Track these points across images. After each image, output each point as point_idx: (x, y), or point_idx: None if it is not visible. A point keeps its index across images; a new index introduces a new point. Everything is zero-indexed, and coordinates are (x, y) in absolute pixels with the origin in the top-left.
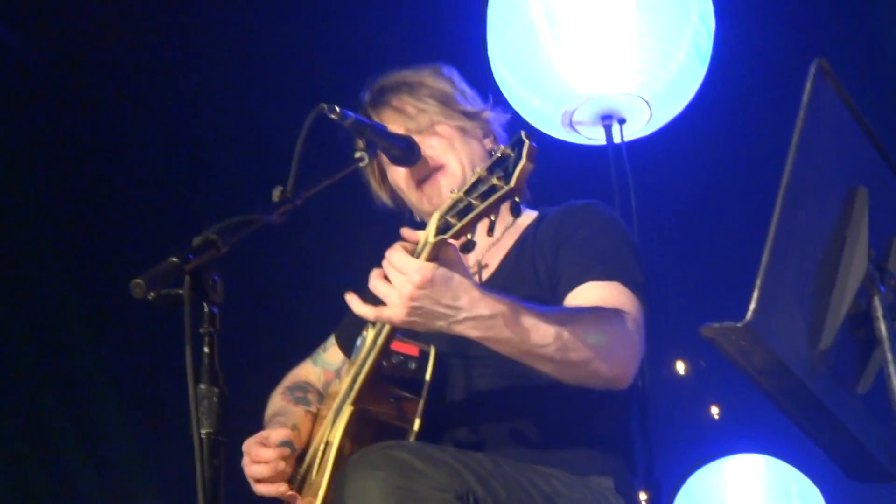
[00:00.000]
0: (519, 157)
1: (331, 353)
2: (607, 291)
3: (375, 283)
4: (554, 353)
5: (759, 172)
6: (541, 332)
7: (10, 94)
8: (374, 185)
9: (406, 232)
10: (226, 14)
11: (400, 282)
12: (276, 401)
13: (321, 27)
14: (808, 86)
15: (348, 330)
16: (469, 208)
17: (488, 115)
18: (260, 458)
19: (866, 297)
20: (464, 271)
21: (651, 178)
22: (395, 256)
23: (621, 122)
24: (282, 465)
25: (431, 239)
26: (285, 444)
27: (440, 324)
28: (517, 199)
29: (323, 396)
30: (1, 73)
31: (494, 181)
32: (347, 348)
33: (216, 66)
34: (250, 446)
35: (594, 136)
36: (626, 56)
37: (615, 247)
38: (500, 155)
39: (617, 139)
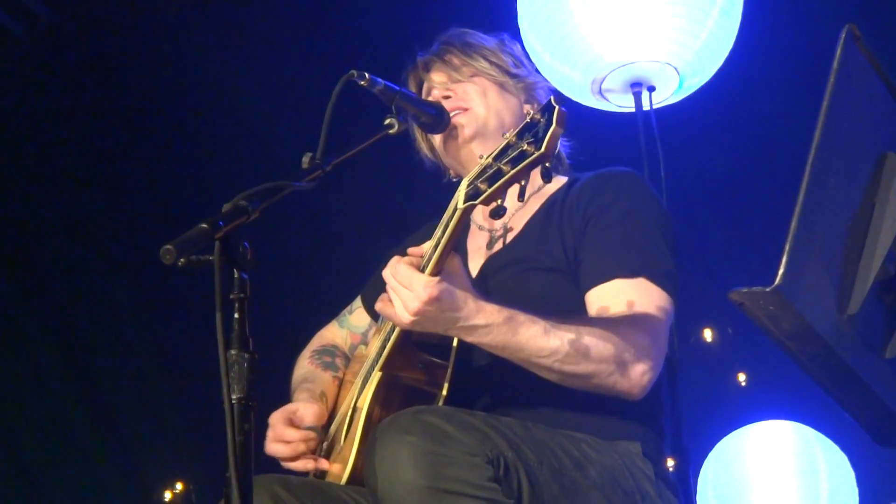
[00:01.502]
0: (549, 123)
1: (357, 315)
2: (631, 293)
3: (382, 303)
4: (551, 365)
5: (788, 138)
6: (538, 344)
7: (44, 65)
8: (419, 137)
9: (411, 250)
10: None
11: (406, 297)
12: (304, 364)
13: None
14: (839, 52)
15: (374, 292)
16: (499, 174)
17: (531, 80)
18: (283, 437)
19: (895, 262)
20: (465, 282)
21: (680, 145)
22: (403, 273)
23: (650, 89)
24: (302, 447)
25: (461, 205)
26: (311, 428)
27: (438, 330)
28: (548, 165)
29: (349, 360)
30: (34, 44)
31: (525, 146)
32: (373, 311)
33: (248, 34)
34: (276, 422)
35: (623, 104)
36: (655, 24)
37: (645, 232)
38: (529, 120)
39: (646, 106)
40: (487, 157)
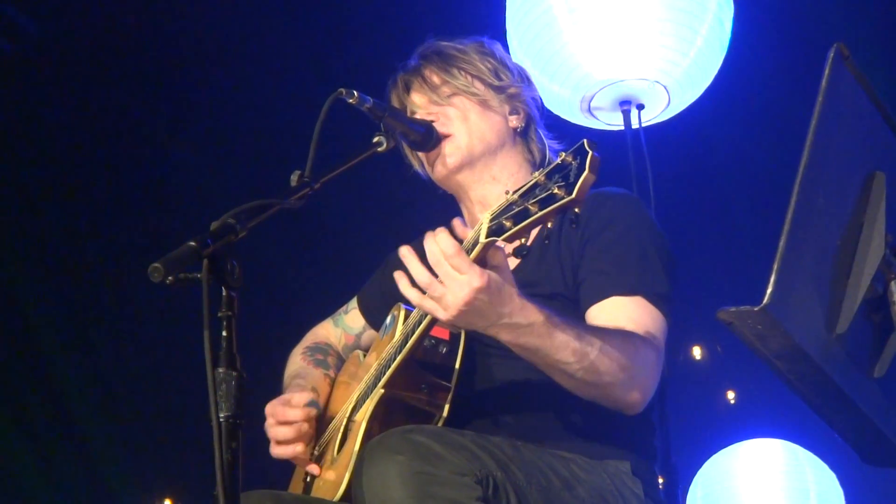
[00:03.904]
0: (582, 168)
1: (352, 316)
2: (631, 310)
3: (431, 283)
4: (575, 372)
5: (776, 157)
6: (569, 350)
7: (32, 81)
8: (408, 152)
9: (457, 225)
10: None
11: (458, 284)
12: (296, 360)
13: (341, 11)
14: (827, 71)
15: (372, 296)
16: (525, 213)
17: (515, 90)
18: (286, 418)
19: (883, 281)
20: (509, 277)
21: (669, 163)
22: (453, 258)
23: (639, 107)
24: (306, 426)
25: (483, 239)
26: (311, 403)
27: (480, 325)
28: (577, 210)
29: (342, 360)
30: (22, 60)
31: (555, 189)
32: (369, 314)
33: (235, 51)
34: (274, 408)
35: (612, 122)
36: (644, 42)
37: (641, 253)
38: (560, 161)
39: (635, 124)
40: (513, 194)
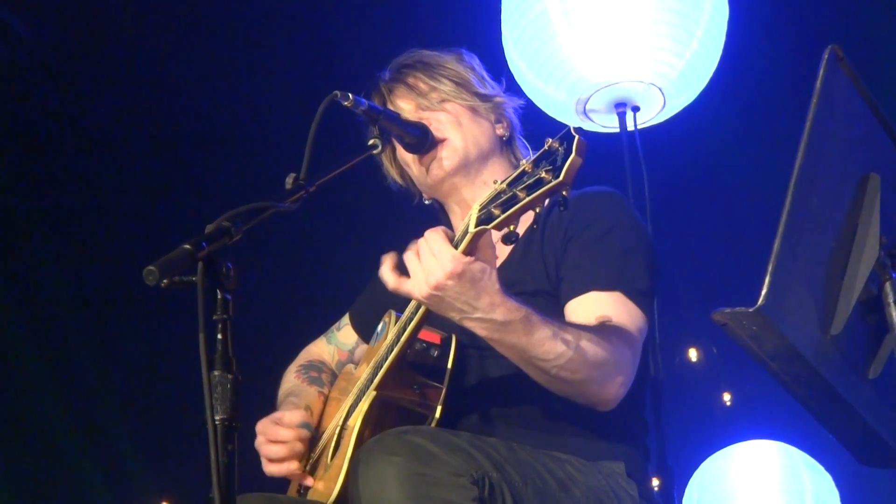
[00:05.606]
0: (569, 151)
1: (345, 332)
2: (609, 305)
3: (409, 256)
4: (551, 368)
5: (771, 159)
6: (546, 347)
7: (26, 86)
8: (386, 163)
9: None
10: (240, 1)
11: (431, 266)
12: (290, 379)
13: (336, 14)
14: (822, 72)
15: (363, 310)
16: (514, 199)
17: (501, 99)
18: (277, 437)
19: (877, 283)
20: (493, 273)
21: (664, 165)
22: (434, 239)
23: (635, 109)
24: (298, 445)
25: (472, 229)
26: (304, 425)
27: (453, 315)
28: (565, 194)
29: (335, 376)
30: (18, 67)
31: (542, 174)
32: (361, 328)
33: (229, 55)
34: (266, 426)
35: (608, 124)
36: (639, 44)
37: (623, 249)
38: (546, 148)
39: (630, 127)
40: (501, 183)
